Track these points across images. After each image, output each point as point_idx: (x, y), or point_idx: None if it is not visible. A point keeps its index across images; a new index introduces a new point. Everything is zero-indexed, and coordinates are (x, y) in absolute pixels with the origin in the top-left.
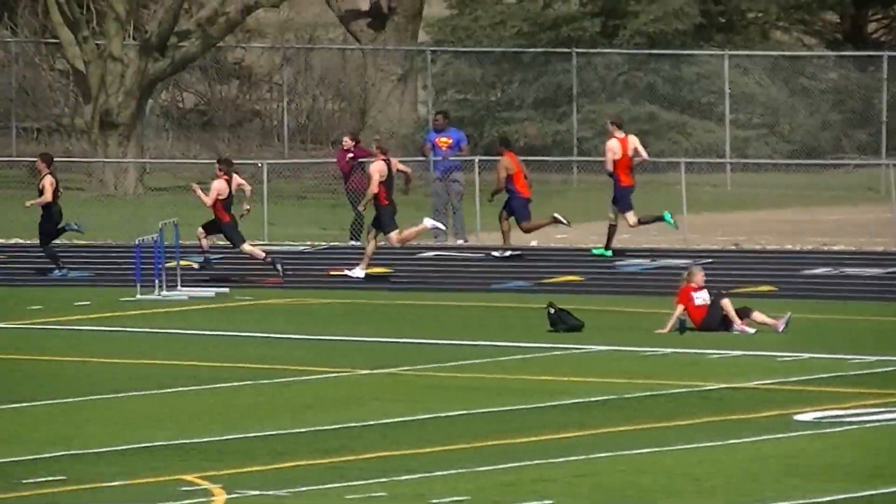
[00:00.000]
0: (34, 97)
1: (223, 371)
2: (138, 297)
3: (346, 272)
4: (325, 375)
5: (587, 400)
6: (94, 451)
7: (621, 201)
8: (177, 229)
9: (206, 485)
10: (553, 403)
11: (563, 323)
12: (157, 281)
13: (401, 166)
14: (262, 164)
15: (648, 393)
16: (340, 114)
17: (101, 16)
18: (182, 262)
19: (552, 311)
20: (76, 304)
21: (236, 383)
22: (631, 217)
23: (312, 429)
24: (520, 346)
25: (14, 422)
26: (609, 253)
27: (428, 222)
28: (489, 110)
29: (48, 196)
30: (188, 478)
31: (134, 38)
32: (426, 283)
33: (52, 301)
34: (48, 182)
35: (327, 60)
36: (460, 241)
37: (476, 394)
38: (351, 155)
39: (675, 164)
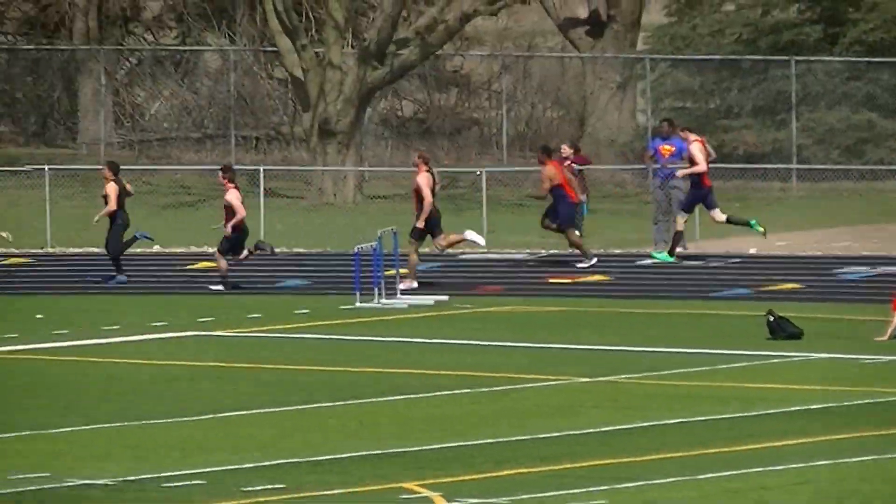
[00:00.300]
0: (253, 106)
1: (442, 379)
2: (357, 305)
3: (402, 286)
4: (543, 383)
5: (807, 408)
6: (314, 459)
7: (709, 200)
8: (395, 237)
9: (425, 493)
10: (772, 411)
11: (782, 331)
12: (376, 289)
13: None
14: (481, 172)
15: (868, 401)
16: (559, 122)
17: (319, 24)
18: (401, 271)
19: (771, 318)
20: (295, 312)
21: (455, 391)
22: (718, 214)
23: (531, 436)
24: (739, 354)
25: (234, 431)
26: (672, 259)
27: (469, 234)
28: (708, 118)
29: (112, 205)
30: (408, 486)
31: (352, 46)
32: (644, 290)
33: (272, 309)
34: (112, 190)
35: (546, 68)
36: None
37: (695, 402)
38: (568, 163)
39: (893, 171)
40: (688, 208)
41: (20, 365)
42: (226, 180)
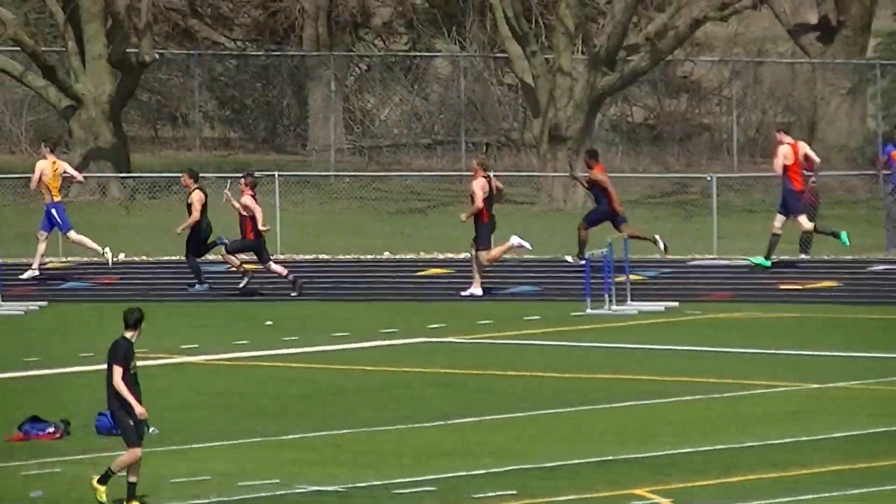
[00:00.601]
0: (483, 112)
1: (672, 385)
2: (588, 311)
3: (465, 293)
4: (774, 389)
5: None
6: (546, 465)
7: (793, 205)
8: (626, 244)
9: (656, 499)
10: None
11: None
12: (606, 295)
13: (498, 184)
14: (711, 178)
15: None
16: (790, 127)
17: (549, 30)
18: (632, 277)
19: None
20: (525, 318)
21: (686, 397)
22: (805, 221)
23: (762, 442)
24: None
25: (464, 437)
26: (769, 263)
27: (515, 240)
28: None
29: (196, 215)
30: (639, 492)
31: (582, 53)
32: (876, 296)
33: (502, 316)
34: (197, 198)
35: (776, 74)
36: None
37: None
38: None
39: None
40: (796, 211)
41: (252, 372)
42: (247, 186)
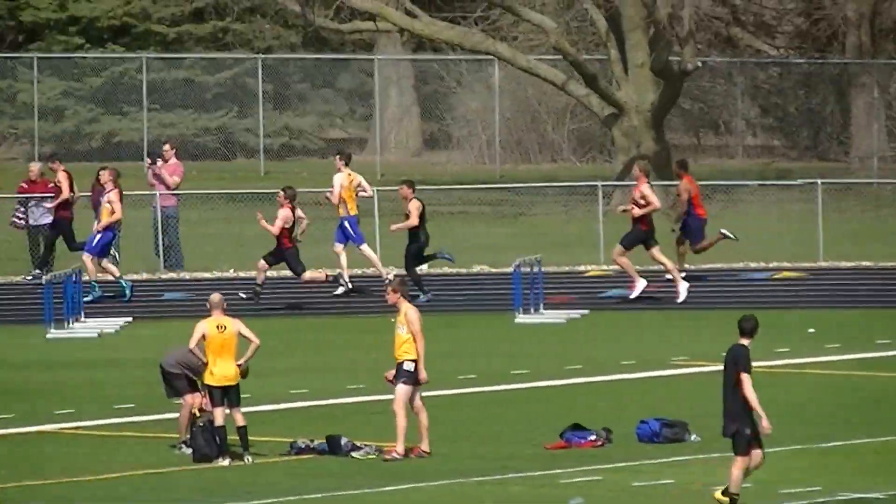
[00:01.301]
0: None
1: None
2: None
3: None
4: None
5: None
6: None
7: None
8: None
9: None
10: None
11: None
12: None
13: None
14: None
15: None
16: None
17: None
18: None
19: None
20: None
21: None
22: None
23: None
24: None
25: None
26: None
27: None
28: None
29: (414, 220)
30: None
31: None
32: None
33: None
34: (415, 207)
35: None
36: None
37: None
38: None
39: None
40: None
41: (795, 379)
42: (287, 201)
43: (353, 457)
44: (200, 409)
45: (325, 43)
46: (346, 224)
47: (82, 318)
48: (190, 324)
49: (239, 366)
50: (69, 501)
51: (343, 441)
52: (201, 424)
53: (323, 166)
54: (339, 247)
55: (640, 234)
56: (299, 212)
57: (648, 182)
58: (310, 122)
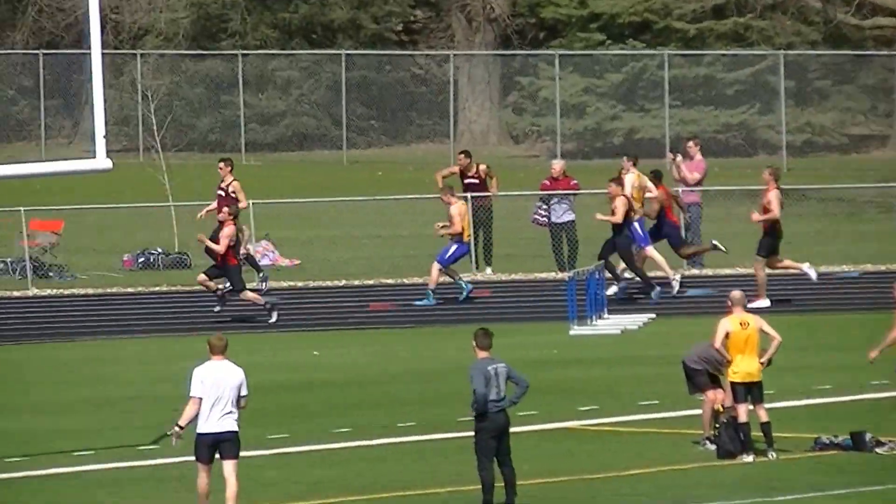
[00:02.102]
0: None
1: None
2: None
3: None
4: None
5: None
6: None
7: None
8: None
9: None
10: None
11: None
12: None
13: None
14: None
15: None
16: None
17: None
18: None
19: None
20: None
21: None
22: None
23: None
24: None
25: None
26: None
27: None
28: None
29: (619, 217)
30: None
31: None
32: None
33: None
34: (622, 204)
35: None
36: None
37: None
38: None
39: None
40: None
41: None
42: (231, 217)
43: (877, 453)
44: (723, 406)
45: (846, 39)
46: (635, 225)
47: (605, 315)
48: (711, 321)
49: (762, 363)
50: (591, 498)
51: (867, 437)
52: (725, 420)
53: (845, 162)
54: (648, 250)
55: (770, 241)
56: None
57: (778, 188)
58: (831, 119)
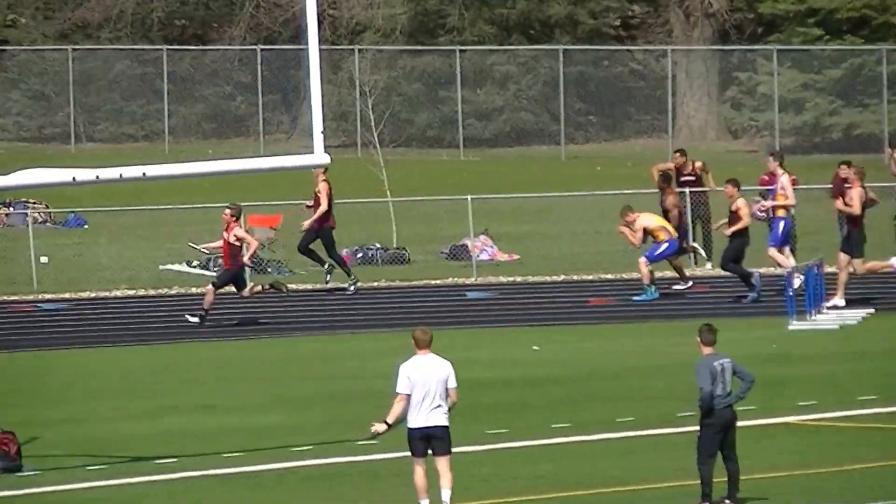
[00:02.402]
0: None
1: None
2: None
3: (830, 304)
4: None
5: None
6: None
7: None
8: None
9: None
10: None
11: None
12: None
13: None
14: None
15: None
16: None
17: None
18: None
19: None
20: None
21: None
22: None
23: None
24: None
25: None
26: None
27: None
28: None
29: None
30: None
31: None
32: None
33: None
34: (743, 204)
35: None
36: None
37: None
38: None
39: None
40: None
41: None
42: (233, 219)
43: None
44: None
45: None
46: (781, 225)
47: (825, 310)
48: None
49: None
50: (817, 490)
51: None
52: None
53: None
54: (771, 251)
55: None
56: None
57: (862, 186)
58: None
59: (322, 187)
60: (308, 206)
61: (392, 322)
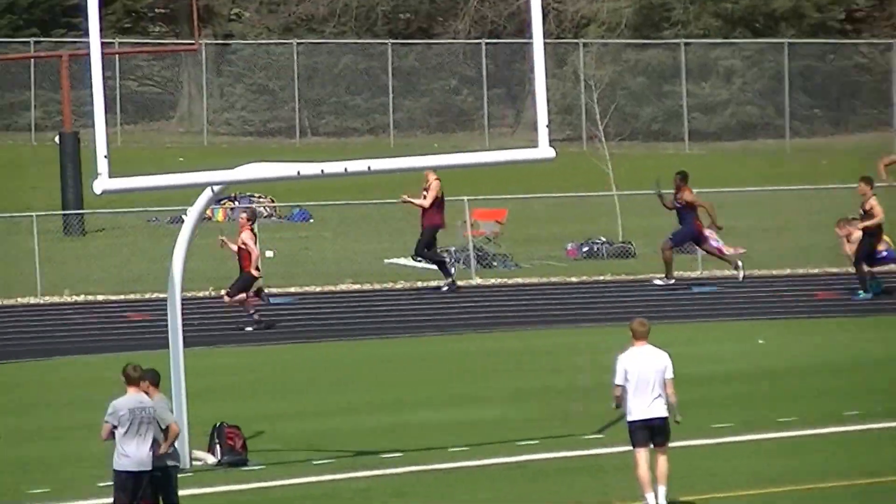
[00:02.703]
0: None
1: None
2: None
3: None
4: None
5: None
6: None
7: None
8: None
9: None
10: None
11: None
12: None
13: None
14: None
15: None
16: None
17: None
18: None
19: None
20: None
21: None
22: None
23: None
24: None
25: None
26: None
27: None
28: None
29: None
30: None
31: None
32: None
33: None
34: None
35: None
36: None
37: None
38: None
39: None
40: None
41: None
42: (248, 222)
43: None
44: None
45: None
46: None
47: None
48: None
49: None
50: None
51: None
52: None
53: None
54: None
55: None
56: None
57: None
58: None
59: (433, 185)
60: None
61: (616, 316)
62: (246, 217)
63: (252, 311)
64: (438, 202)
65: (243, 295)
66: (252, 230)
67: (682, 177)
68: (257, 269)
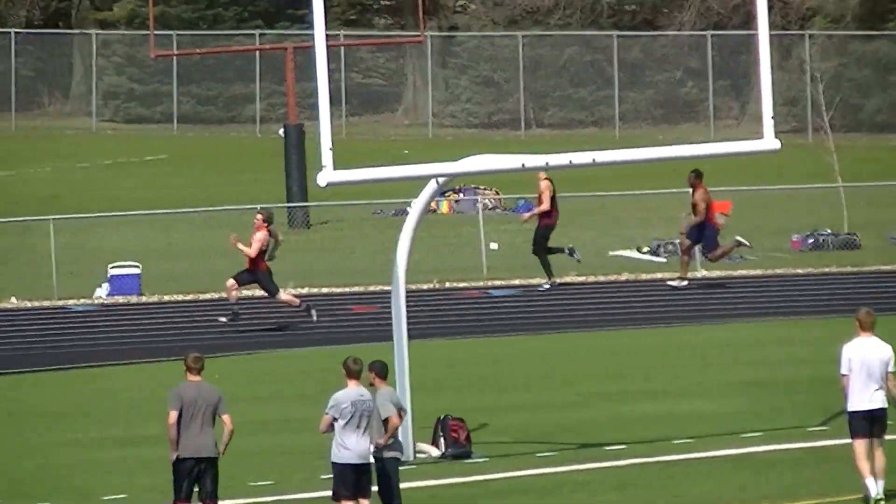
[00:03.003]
0: None
1: None
2: None
3: None
4: None
5: None
6: None
7: None
8: None
9: None
10: None
11: None
12: None
13: None
14: None
15: None
16: None
17: None
18: None
19: None
20: None
21: None
22: None
23: None
24: None
25: None
26: None
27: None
28: None
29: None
30: None
31: None
32: None
33: None
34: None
35: None
36: None
37: None
38: None
39: None
40: None
41: None
42: (264, 224)
43: None
44: None
45: None
46: None
47: None
48: None
49: None
50: None
51: None
52: None
53: None
54: None
55: None
56: (279, 234)
57: None
58: None
59: (544, 185)
60: None
61: (840, 308)
62: (262, 218)
63: (234, 303)
64: (552, 203)
65: (286, 296)
66: (269, 231)
67: (696, 175)
68: (266, 263)
